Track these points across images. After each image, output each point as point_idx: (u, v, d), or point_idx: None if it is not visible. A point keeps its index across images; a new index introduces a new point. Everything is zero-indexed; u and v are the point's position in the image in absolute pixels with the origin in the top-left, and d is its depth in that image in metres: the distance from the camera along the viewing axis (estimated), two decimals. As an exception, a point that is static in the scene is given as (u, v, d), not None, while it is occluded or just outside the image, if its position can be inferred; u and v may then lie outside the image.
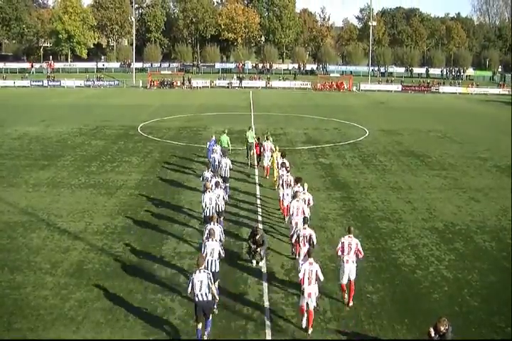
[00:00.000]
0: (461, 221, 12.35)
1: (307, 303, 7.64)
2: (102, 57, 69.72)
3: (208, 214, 10.37)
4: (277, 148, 16.67)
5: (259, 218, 13.43)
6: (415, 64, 65.22)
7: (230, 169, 15.00)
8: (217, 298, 7.55)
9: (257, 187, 16.55)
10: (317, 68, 63.97)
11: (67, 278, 8.92)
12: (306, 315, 7.65)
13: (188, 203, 13.70)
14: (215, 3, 74.56)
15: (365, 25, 70.36)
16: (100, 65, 63.93)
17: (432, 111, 35.30)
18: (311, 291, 7.75)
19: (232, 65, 65.47)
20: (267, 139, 18.07)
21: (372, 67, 62.82)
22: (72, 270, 9.30)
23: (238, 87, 56.86)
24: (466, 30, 70.85)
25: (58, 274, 9.04)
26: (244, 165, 18.61)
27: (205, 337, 7.26)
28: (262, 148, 17.72)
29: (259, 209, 14.09)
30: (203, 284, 7.22)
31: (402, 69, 63.98)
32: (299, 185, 11.79)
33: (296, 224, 10.16)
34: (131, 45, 62.43)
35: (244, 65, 63.99)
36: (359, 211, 13.40)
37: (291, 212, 10.34)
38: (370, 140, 24.47)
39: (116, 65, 64.35)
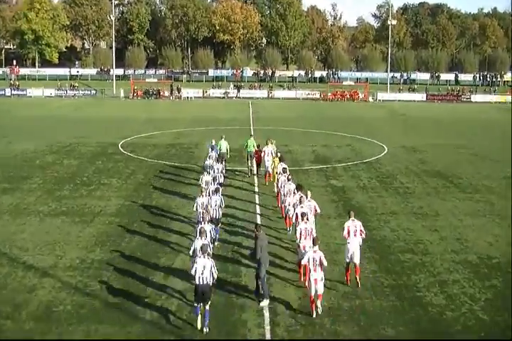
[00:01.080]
0: (499, 253, 11.91)
1: (315, 291, 9.26)
2: (77, 63, 69.19)
3: (200, 220, 11.74)
4: (277, 152, 19.28)
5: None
6: (442, 69, 64.62)
7: (225, 177, 17.57)
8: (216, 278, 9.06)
9: (256, 196, 18.08)
10: (327, 75, 64.75)
11: (33, 322, 8.38)
12: (315, 302, 9.25)
13: (177, 234, 13.71)
14: (209, 0, 75.39)
15: (384, 25, 70.23)
16: (74, 71, 63.75)
17: (462, 125, 36.02)
18: (317, 277, 9.39)
19: (228, 72, 65.97)
20: (267, 144, 20.14)
21: (392, 74, 63.14)
22: (39, 313, 8.73)
23: (235, 97, 57.48)
24: (503, 28, 67.85)
25: (22, 318, 8.48)
26: (243, 174, 20.68)
27: (205, 330, 8.60)
28: (262, 154, 19.97)
29: (258, 218, 15.30)
30: (205, 269, 8.85)
31: (426, 76, 63.80)
32: (300, 193, 13.17)
33: (305, 247, 10.81)
34: (111, 48, 62.83)
35: (242, 71, 64.65)
36: (377, 241, 13.41)
37: (297, 235, 11.06)
38: (389, 158, 25.03)
39: (93, 71, 64.34)
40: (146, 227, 14.26)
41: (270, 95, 56.42)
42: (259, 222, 15.17)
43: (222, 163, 18.33)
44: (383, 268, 11.60)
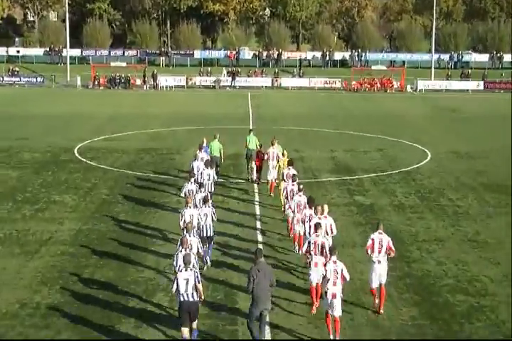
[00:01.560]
0: None
1: (332, 310, 10.41)
2: (16, 40, 67.91)
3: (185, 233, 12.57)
4: (286, 153, 20.67)
5: (259, 238, 16.06)
6: (506, 48, 62.19)
7: (215, 183, 18.66)
8: (203, 296, 10.35)
9: (257, 207, 19.24)
10: (351, 57, 64.55)
11: None
12: (332, 324, 10.46)
13: (151, 269, 13.81)
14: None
15: (426, -10, 74.42)
16: (13, 51, 62.18)
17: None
18: (335, 292, 10.34)
19: (220, 54, 66.00)
20: (272, 144, 21.28)
21: (438, 55, 62.39)
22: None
23: (230, 87, 57.63)
24: None
25: None
26: (240, 182, 22.18)
27: None
28: (264, 157, 21.37)
29: (259, 236, 16.14)
30: (189, 284, 9.87)
31: (484, 57, 62.26)
32: (312, 209, 13.97)
33: (317, 265, 11.77)
34: (63, 21, 61.39)
35: (238, 53, 64.65)
36: (418, 278, 13.44)
37: (304, 248, 12.24)
38: (433, 167, 25.21)
39: (39, 51, 63.04)
40: (110, 260, 14.28)
41: (276, 84, 56.61)
42: (260, 239, 16.08)
43: (213, 168, 19.09)
44: (426, 313, 11.48)
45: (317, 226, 12.33)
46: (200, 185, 16.17)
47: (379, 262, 11.69)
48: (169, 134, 33.59)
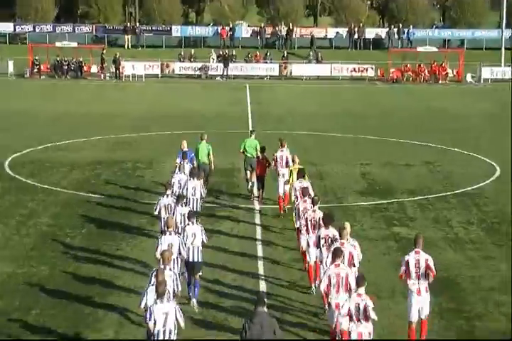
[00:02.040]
0: None
1: None
2: None
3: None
4: (297, 159, 21.33)
5: (262, 285, 16.15)
6: None
7: (202, 199, 19.48)
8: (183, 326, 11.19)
9: (258, 229, 19.97)
10: (388, 35, 65.31)
11: None
12: None
13: (113, 325, 13.99)
14: None
15: None
16: None
17: None
18: (362, 330, 10.97)
19: (208, 31, 67.29)
20: (282, 146, 22.42)
21: (509, 31, 62.37)
22: None
23: (222, 76, 58.51)
24: None
25: None
26: (235, 197, 23.41)
27: None
28: (268, 164, 22.78)
29: (261, 269, 16.67)
30: (168, 318, 10.70)
31: None
32: (329, 228, 14.71)
33: (338, 306, 11.98)
34: None
35: (233, 29, 65.48)
36: (484, 338, 13.60)
37: (323, 286, 12.53)
38: (504, 187, 25.25)
39: None
40: (55, 319, 14.08)
41: (284, 73, 57.14)
42: (261, 272, 16.66)
43: (200, 179, 19.85)
44: None
45: (337, 253, 12.66)
46: (179, 197, 17.04)
47: (418, 291, 12.18)
48: (138, 141, 33.96)
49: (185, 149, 21.96)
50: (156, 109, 43.00)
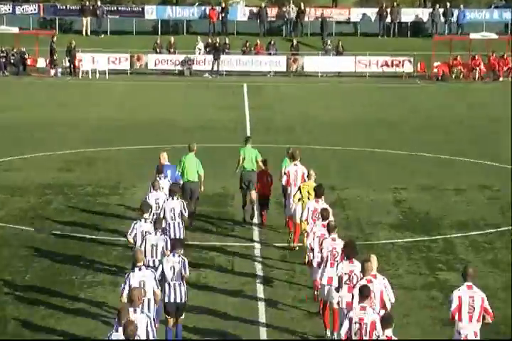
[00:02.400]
0: None
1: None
2: None
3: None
4: (313, 173, 21.86)
5: (263, 335, 16.72)
6: None
7: (190, 223, 21.63)
8: None
9: (258, 265, 20.46)
10: (432, 17, 65.53)
11: None
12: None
13: None
14: None
15: None
16: None
17: None
18: None
19: (192, 12, 67.90)
20: (293, 158, 23.33)
21: None
22: None
23: (212, 72, 59.70)
24: None
25: None
26: (225, 221, 24.26)
27: None
28: (272, 181, 24.17)
29: (263, 314, 17.03)
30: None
31: None
32: (354, 262, 15.03)
33: None
34: None
35: (226, 11, 66.26)
36: None
37: (342, 332, 12.95)
38: None
39: None
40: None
41: (294, 67, 57.93)
42: (263, 317, 17.05)
43: (185, 199, 20.96)
44: None
45: (364, 292, 12.89)
46: (156, 221, 17.55)
47: (475, 335, 12.61)
48: (99, 159, 34.08)
49: (166, 162, 22.44)
50: (123, 117, 43.13)
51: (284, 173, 23.01)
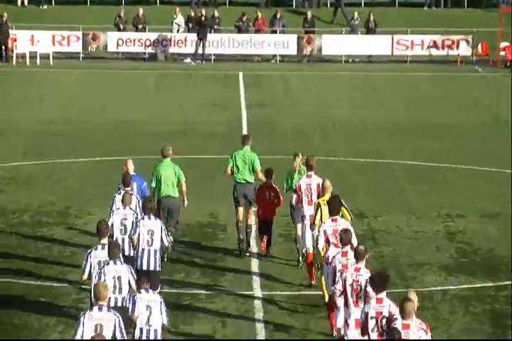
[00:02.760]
0: None
1: None
2: None
3: None
4: (329, 185, 22.39)
5: None
6: None
7: (164, 257, 22.10)
8: None
9: (259, 303, 21.21)
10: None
11: None
12: None
13: None
14: None
15: None
16: None
17: None
18: None
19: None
20: (310, 168, 24.00)
21: None
22: None
23: (196, 57, 60.18)
24: None
25: None
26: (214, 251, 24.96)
27: None
28: (280, 198, 24.92)
29: None
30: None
31: None
32: (382, 300, 15.24)
33: None
34: None
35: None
36: None
37: None
38: None
39: None
40: None
41: (307, 49, 58.41)
42: None
43: (161, 219, 21.61)
44: None
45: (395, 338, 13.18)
46: (112, 246, 17.79)
47: None
48: (42, 175, 34.36)
49: (132, 172, 23.26)
50: (73, 118, 43.66)
51: (293, 189, 23.51)
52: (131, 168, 23.73)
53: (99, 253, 18.03)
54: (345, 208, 20.98)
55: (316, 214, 21.76)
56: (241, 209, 24.66)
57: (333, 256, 18.00)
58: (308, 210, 22.89)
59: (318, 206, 21.84)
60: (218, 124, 42.37)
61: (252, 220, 24.61)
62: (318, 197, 22.63)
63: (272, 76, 54.23)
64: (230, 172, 24.77)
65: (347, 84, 52.87)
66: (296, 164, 24.61)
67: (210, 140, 39.19)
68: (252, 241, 25.61)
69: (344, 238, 17.99)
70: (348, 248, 17.68)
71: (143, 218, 20.46)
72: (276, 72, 55.43)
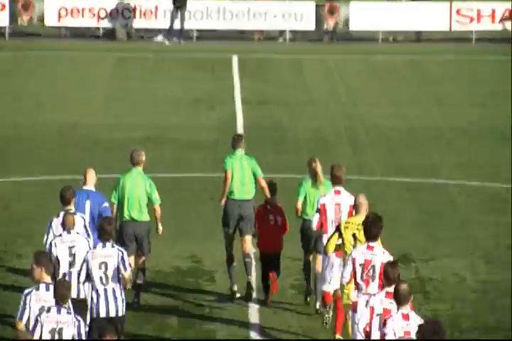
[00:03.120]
0: None
1: None
2: None
3: None
4: (363, 201, 22.43)
5: None
6: None
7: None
8: None
9: None
10: None
11: None
12: None
13: None
14: None
15: None
16: None
17: None
18: None
19: None
20: (337, 181, 24.21)
21: None
22: None
23: (170, 33, 61.56)
24: None
25: None
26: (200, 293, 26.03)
27: None
28: (285, 220, 25.65)
29: None
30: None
31: None
32: None
33: None
34: None
35: None
36: None
37: None
38: None
39: None
40: None
41: (329, 23, 58.42)
42: None
43: (120, 244, 21.81)
44: None
45: None
46: (60, 286, 17.33)
47: None
48: None
49: (88, 187, 23.43)
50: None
51: (318, 209, 23.24)
52: (91, 180, 23.82)
53: (41, 295, 17.99)
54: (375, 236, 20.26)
55: (330, 238, 22.00)
56: (231, 235, 24.82)
57: (371, 298, 18.01)
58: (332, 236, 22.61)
59: (336, 229, 22.08)
60: (203, 129, 41.94)
61: (249, 247, 24.67)
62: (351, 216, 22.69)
63: (279, 61, 54.09)
64: (229, 178, 24.98)
65: (385, 72, 52.73)
66: (317, 169, 24.47)
67: (192, 151, 38.50)
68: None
69: (390, 273, 17.71)
70: (392, 288, 17.27)
71: (95, 247, 20.34)
72: (285, 55, 55.18)
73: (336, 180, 23.52)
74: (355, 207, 22.25)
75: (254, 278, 24.98)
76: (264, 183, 25.04)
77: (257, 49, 55.44)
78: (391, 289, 17.39)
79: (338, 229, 21.90)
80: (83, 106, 45.66)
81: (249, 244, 24.69)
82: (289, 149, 39.20)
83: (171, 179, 34.10)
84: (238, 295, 24.97)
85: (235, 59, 52.92)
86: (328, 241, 22.00)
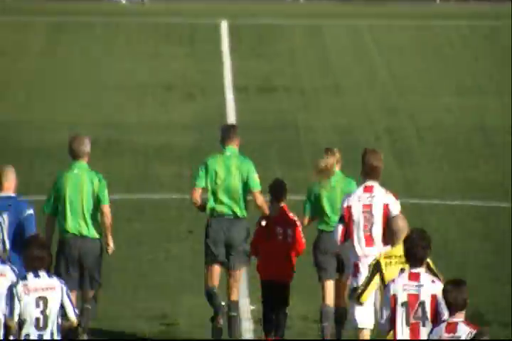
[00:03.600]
0: None
1: None
2: None
3: None
4: (402, 224, 22.48)
5: None
6: None
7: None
8: None
9: None
10: None
11: None
12: None
13: None
14: None
15: None
16: None
17: None
18: None
19: None
20: (370, 176, 24.78)
21: None
22: None
23: None
24: None
25: None
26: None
27: None
28: (300, 233, 26.13)
29: None
30: None
31: None
32: None
33: None
34: None
35: None
36: None
37: None
38: None
39: None
40: None
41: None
42: None
43: (57, 273, 22.37)
44: None
45: None
46: None
47: None
48: None
49: (5, 193, 23.19)
50: None
51: (342, 216, 23.59)
52: (9, 182, 23.62)
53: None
54: (435, 274, 20.59)
55: (367, 282, 21.53)
56: (217, 268, 24.87)
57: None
58: (366, 252, 23.49)
59: (375, 267, 21.54)
60: (177, 129, 42.21)
61: (238, 278, 25.14)
62: (385, 230, 22.90)
63: (288, 29, 54.42)
64: (198, 200, 25.07)
65: (447, 46, 52.84)
66: (332, 162, 24.93)
67: (162, 161, 38.83)
68: (246, 324, 26.18)
69: (459, 303, 17.24)
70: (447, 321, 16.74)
71: (25, 278, 19.63)
72: (297, 19, 55.74)
73: (369, 172, 23.62)
74: (394, 234, 21.77)
75: (247, 319, 24.73)
76: (260, 199, 24.95)
77: (257, 11, 55.93)
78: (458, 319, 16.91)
79: (376, 267, 21.28)
80: (2, 97, 45.58)
81: (238, 285, 25.08)
82: (304, 159, 39.19)
83: (130, 203, 34.10)
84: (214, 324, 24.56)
85: (224, 26, 52.99)
86: (365, 287, 21.36)
